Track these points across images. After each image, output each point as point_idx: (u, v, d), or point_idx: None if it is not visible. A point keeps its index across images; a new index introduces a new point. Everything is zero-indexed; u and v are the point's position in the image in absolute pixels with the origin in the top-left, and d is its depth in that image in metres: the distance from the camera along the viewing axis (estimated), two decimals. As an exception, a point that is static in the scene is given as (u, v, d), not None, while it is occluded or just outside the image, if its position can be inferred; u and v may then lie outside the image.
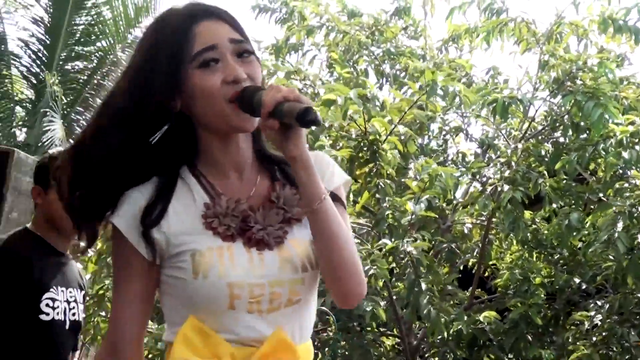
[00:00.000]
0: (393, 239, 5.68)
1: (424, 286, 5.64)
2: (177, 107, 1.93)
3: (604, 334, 6.35)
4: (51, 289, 3.46)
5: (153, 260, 1.91)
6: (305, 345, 1.96)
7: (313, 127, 1.84)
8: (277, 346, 1.87)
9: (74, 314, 3.57)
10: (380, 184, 5.73)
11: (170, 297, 1.93)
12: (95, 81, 15.21)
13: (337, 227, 1.87)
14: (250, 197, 1.96)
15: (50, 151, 4.09)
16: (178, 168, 1.98)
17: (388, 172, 5.72)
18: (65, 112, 14.48)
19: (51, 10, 14.66)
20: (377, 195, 5.73)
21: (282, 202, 1.96)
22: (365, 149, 5.68)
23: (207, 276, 1.85)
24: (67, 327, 3.53)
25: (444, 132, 7.42)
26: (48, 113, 13.17)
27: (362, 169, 5.73)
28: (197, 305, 1.87)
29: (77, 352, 3.75)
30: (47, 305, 3.43)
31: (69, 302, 3.54)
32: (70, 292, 3.57)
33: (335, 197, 1.96)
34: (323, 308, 5.81)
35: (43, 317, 3.42)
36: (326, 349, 6.64)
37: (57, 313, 3.47)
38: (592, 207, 6.61)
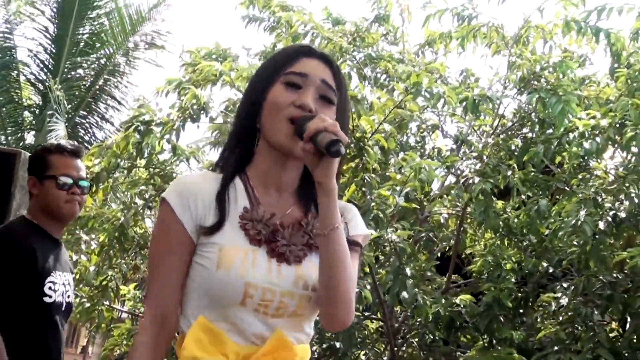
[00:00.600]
0: (378, 229, 5.66)
1: (408, 272, 5.64)
2: (259, 114, 2.01)
3: (569, 314, 6.36)
4: (52, 274, 3.44)
5: (195, 241, 1.95)
6: (302, 347, 1.98)
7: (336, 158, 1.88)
8: (277, 345, 1.90)
9: (68, 296, 3.56)
10: (366, 177, 5.72)
11: (192, 283, 1.95)
12: (98, 86, 15.13)
13: (342, 257, 1.89)
14: (284, 216, 2.00)
15: (43, 143, 4.07)
16: (236, 171, 2.03)
17: (373, 167, 5.72)
18: (70, 115, 14.42)
19: (56, 21, 14.59)
20: (364, 188, 5.72)
21: (309, 229, 2.00)
22: (352, 145, 5.66)
23: (228, 271, 1.88)
24: (63, 308, 3.51)
25: (421, 130, 7.40)
26: (53, 117, 13.11)
27: (348, 164, 5.73)
28: (213, 295, 1.90)
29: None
30: (49, 288, 3.41)
31: (64, 285, 3.52)
32: (65, 276, 3.55)
33: (354, 242, 2.03)
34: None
35: (46, 299, 3.40)
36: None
37: (58, 295, 3.46)
38: (558, 197, 6.61)
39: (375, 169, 5.85)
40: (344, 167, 5.78)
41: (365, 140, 5.65)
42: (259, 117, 1.99)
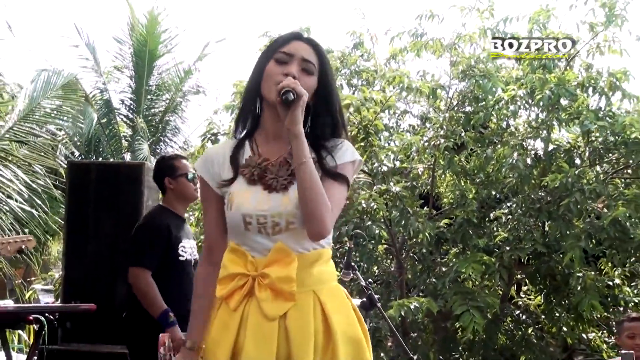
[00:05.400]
0: (384, 184, 5.34)
1: (410, 211, 5.32)
2: (260, 84, 1.82)
3: (515, 223, 6.04)
4: (182, 241, 3.34)
5: (221, 193, 1.83)
6: (304, 255, 1.75)
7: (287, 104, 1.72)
8: (279, 254, 1.72)
9: (194, 255, 3.45)
10: (374, 151, 5.41)
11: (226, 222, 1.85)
12: (166, 119, 14.84)
13: (311, 184, 1.68)
14: (278, 157, 1.80)
15: (163, 154, 3.95)
16: (246, 137, 1.86)
17: (376, 143, 5.40)
18: (149, 140, 14.21)
19: (134, 78, 14.42)
20: (373, 159, 5.41)
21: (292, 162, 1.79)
22: (361, 130, 5.33)
23: (231, 208, 1.76)
24: (192, 263, 3.40)
25: (396, 114, 7.00)
26: (138, 141, 13.05)
27: (359, 142, 5.41)
28: (230, 227, 1.79)
29: None
30: (182, 250, 3.31)
31: (191, 248, 3.42)
32: (190, 242, 3.45)
33: (337, 174, 1.76)
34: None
35: (181, 258, 3.32)
36: (344, 258, 6.28)
37: (188, 255, 3.36)
38: (491, 147, 6.29)
39: (378, 144, 5.52)
40: (356, 146, 5.43)
41: (369, 126, 5.30)
42: (261, 86, 1.80)
